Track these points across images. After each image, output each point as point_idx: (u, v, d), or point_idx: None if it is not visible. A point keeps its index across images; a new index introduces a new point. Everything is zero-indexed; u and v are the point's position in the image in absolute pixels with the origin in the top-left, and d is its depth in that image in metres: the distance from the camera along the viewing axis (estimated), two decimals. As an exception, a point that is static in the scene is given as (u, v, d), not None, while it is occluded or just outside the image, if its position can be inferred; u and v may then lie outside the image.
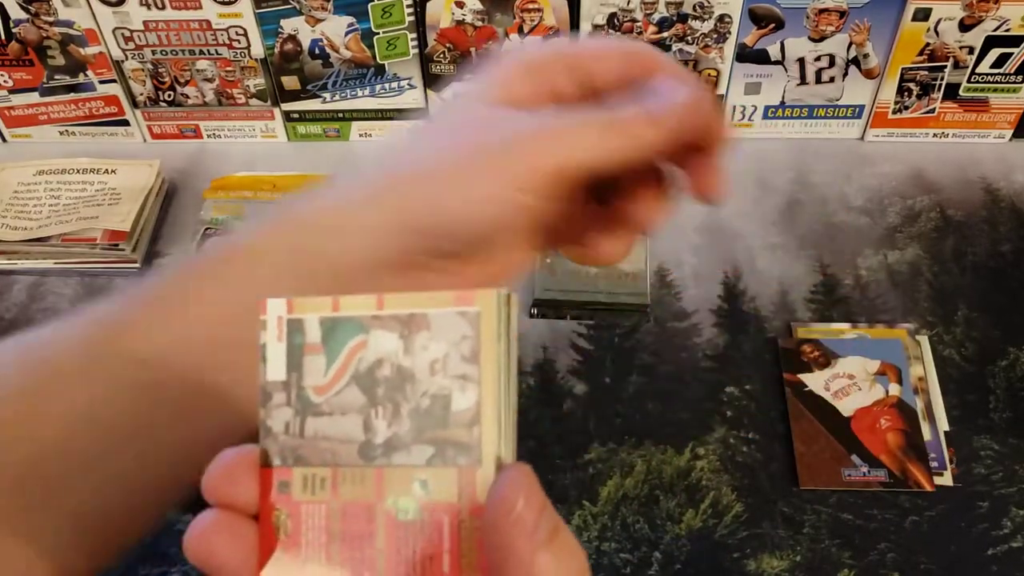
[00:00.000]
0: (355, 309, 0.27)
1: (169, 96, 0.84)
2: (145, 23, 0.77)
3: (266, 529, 0.27)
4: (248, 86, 0.82)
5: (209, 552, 0.27)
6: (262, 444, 0.27)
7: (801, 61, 0.79)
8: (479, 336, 0.26)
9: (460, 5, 0.76)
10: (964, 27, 0.75)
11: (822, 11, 0.75)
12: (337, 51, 0.79)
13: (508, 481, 0.25)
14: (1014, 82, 0.79)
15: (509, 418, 0.26)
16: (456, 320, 0.26)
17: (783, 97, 0.81)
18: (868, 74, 0.79)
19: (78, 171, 0.81)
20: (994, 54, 0.77)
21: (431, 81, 0.81)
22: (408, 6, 0.76)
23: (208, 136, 0.87)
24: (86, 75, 0.82)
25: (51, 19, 0.78)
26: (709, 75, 0.80)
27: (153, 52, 0.80)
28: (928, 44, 0.76)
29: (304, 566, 0.27)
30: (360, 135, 0.86)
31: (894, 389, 0.66)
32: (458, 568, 0.25)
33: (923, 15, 0.74)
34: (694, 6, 0.75)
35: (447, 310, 0.26)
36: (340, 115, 0.84)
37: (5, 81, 0.83)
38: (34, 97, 0.84)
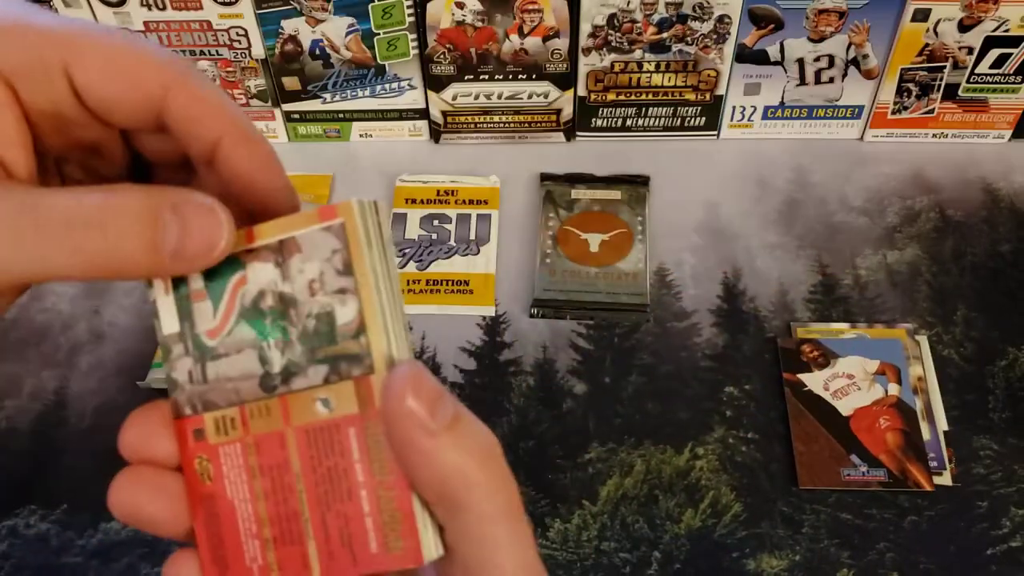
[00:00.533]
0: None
1: (170, 97, 0.84)
2: (146, 23, 0.77)
3: (192, 478, 0.28)
4: (249, 86, 0.82)
5: (136, 507, 0.27)
6: (171, 396, 0.28)
7: (800, 62, 0.79)
8: (348, 247, 0.26)
9: (460, 6, 0.76)
10: (963, 27, 0.75)
11: (821, 12, 0.75)
12: (338, 51, 0.80)
13: (396, 377, 0.25)
14: (1013, 82, 0.79)
15: (396, 321, 0.26)
16: (323, 236, 0.26)
17: (782, 97, 0.82)
18: (867, 74, 0.79)
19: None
20: (993, 54, 0.77)
21: (431, 82, 0.81)
22: (408, 7, 0.76)
23: (209, 136, 0.87)
24: (87, 76, 0.82)
25: (52, 20, 0.78)
26: (709, 75, 0.80)
27: (154, 53, 0.80)
28: (927, 44, 0.76)
29: (232, 506, 0.27)
30: (360, 135, 0.87)
31: (893, 389, 0.66)
32: (370, 474, 0.26)
33: (922, 15, 0.74)
34: (694, 7, 0.75)
35: (312, 228, 0.26)
36: (340, 115, 0.85)
37: (6, 82, 0.83)
38: (35, 98, 0.84)
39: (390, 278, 0.27)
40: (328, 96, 0.83)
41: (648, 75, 0.80)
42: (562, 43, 0.78)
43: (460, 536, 0.26)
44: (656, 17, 0.76)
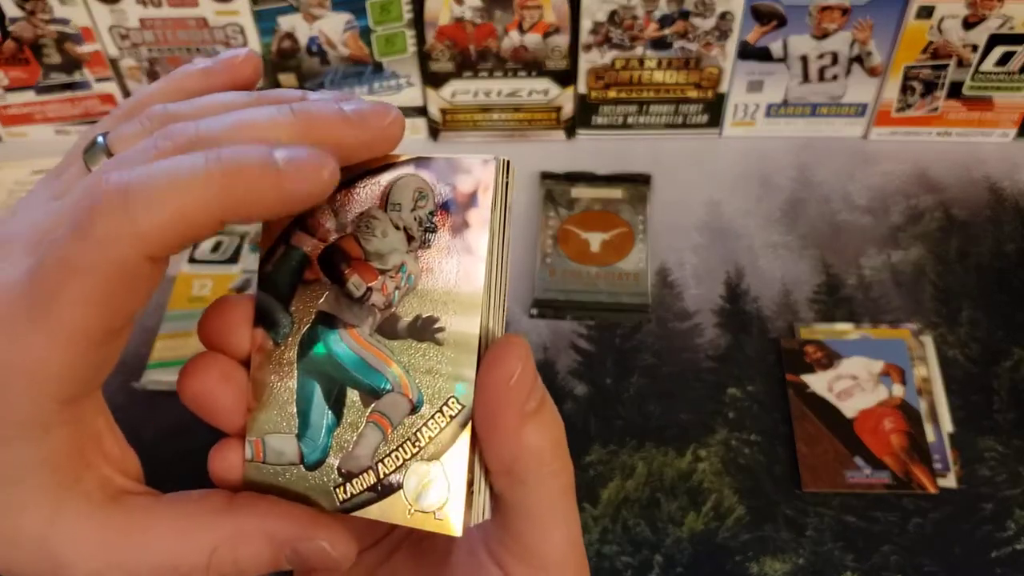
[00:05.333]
0: None
1: (166, 94, 0.83)
2: (141, 21, 0.77)
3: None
4: (246, 84, 0.82)
5: (203, 393, 0.27)
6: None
7: (804, 59, 0.78)
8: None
9: (459, 2, 0.75)
10: (968, 25, 0.75)
11: (825, 8, 0.75)
12: (335, 48, 0.79)
13: (506, 349, 0.25)
14: (1018, 80, 0.78)
15: (500, 292, 0.27)
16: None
17: (785, 95, 0.81)
18: (871, 72, 0.79)
19: (74, 170, 0.81)
20: (998, 52, 0.76)
21: (430, 79, 0.81)
22: (406, 3, 0.76)
23: (205, 134, 0.86)
24: (82, 73, 0.81)
25: (47, 17, 0.77)
26: (711, 72, 0.79)
27: (149, 50, 0.79)
28: (931, 42, 0.76)
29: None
30: (359, 133, 0.86)
31: (897, 390, 0.66)
32: None
33: (926, 13, 0.74)
34: (696, 3, 0.74)
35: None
36: (338, 113, 0.84)
37: (1, 79, 0.82)
38: (30, 95, 0.83)
39: (504, 244, 0.26)
40: (326, 94, 0.82)
41: (649, 72, 0.80)
42: (562, 40, 0.77)
43: (518, 508, 0.26)
44: (658, 13, 0.76)
